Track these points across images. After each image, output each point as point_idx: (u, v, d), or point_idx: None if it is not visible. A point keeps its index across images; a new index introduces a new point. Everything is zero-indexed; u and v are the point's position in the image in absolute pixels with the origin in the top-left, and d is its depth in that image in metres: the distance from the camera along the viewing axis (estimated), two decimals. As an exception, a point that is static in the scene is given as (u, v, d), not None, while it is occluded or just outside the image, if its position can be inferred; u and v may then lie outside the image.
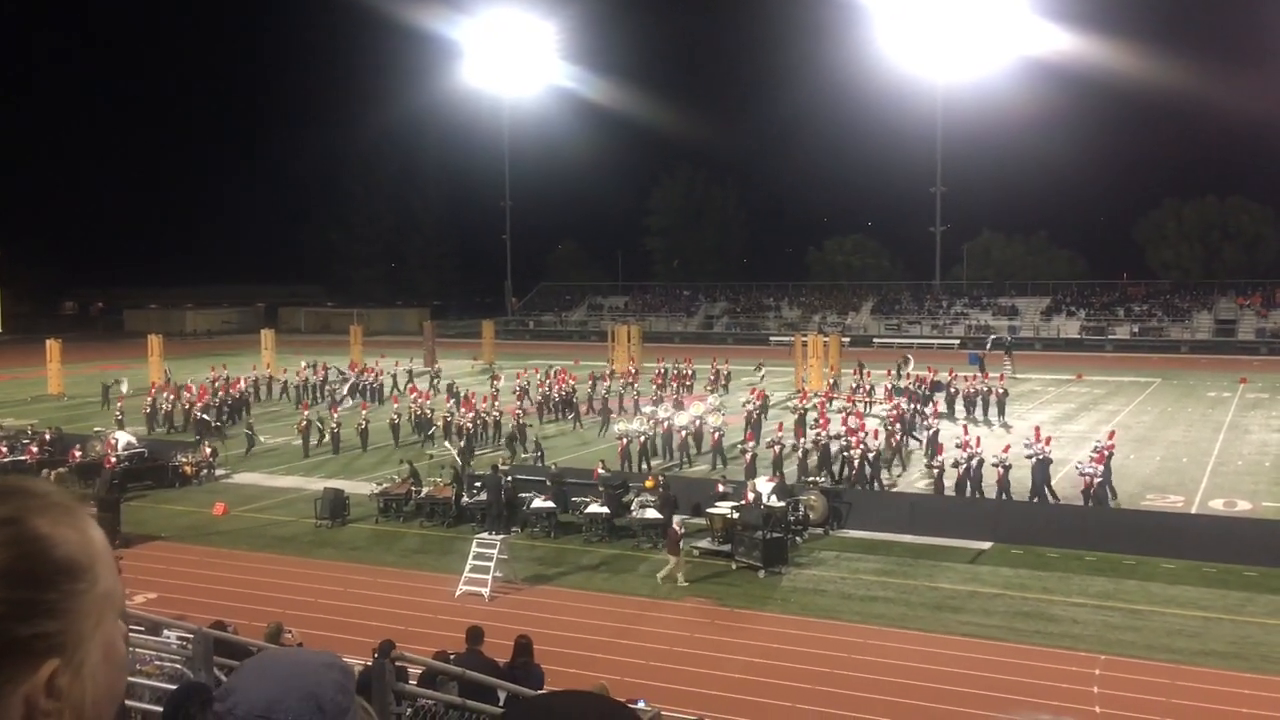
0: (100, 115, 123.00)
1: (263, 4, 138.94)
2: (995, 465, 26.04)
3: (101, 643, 1.19)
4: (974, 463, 26.62)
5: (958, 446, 27.64)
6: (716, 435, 32.89)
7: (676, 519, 22.79)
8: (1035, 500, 26.02)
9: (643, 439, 32.52)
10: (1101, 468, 25.97)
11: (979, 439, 28.83)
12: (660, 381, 46.75)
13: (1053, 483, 26.89)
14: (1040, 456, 26.46)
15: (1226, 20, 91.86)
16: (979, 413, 40.34)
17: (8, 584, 1.11)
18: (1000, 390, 41.32)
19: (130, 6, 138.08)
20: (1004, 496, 25.81)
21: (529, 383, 42.99)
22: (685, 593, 20.78)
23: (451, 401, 39.74)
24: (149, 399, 42.12)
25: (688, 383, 48.06)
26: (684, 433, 33.72)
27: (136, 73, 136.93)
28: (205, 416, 38.57)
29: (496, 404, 38.05)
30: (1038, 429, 28.65)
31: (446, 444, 33.98)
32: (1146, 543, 22.48)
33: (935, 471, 27.22)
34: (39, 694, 1.12)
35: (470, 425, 35.34)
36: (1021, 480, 26.45)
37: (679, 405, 38.58)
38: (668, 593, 20.80)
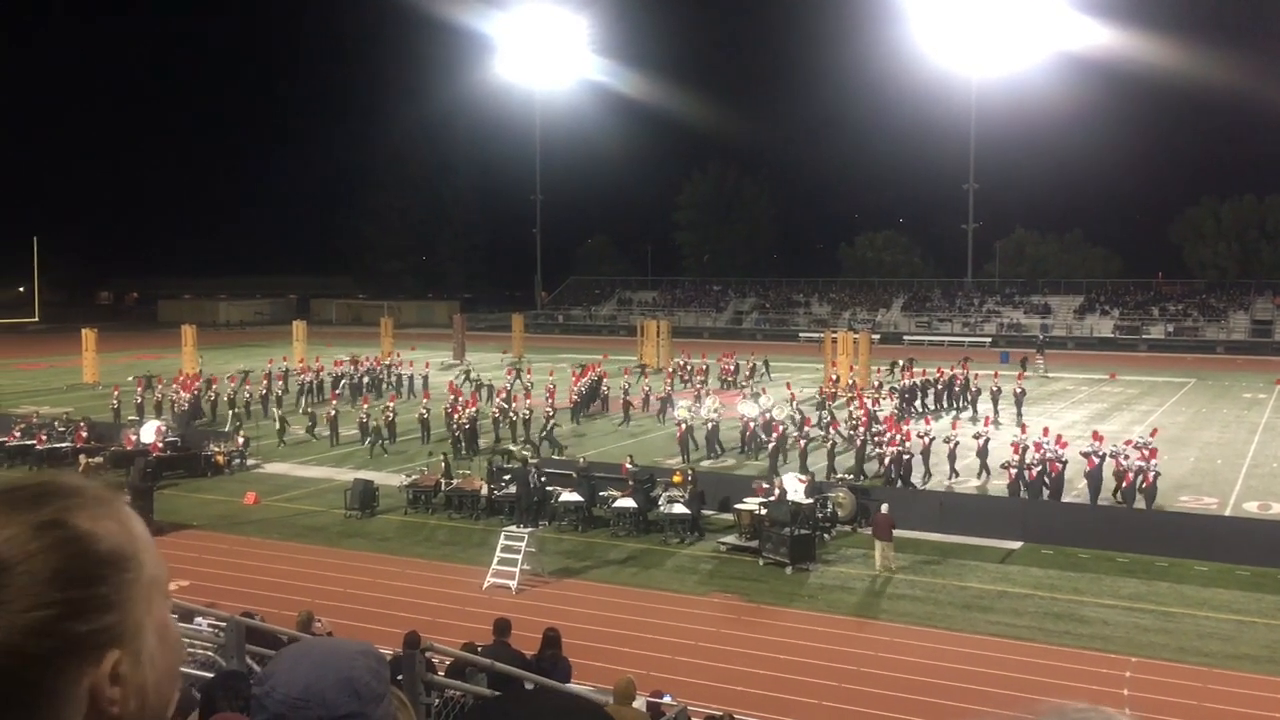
0: (136, 107, 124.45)
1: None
2: (1051, 460, 26.15)
3: (155, 626, 1.22)
4: (1041, 463, 26.44)
5: (1011, 446, 27.60)
6: (751, 425, 33.51)
7: (884, 505, 22.37)
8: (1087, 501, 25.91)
9: (688, 427, 32.82)
10: (1155, 463, 25.81)
11: (1059, 440, 27.86)
12: (692, 376, 46.67)
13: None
14: (1098, 456, 26.31)
15: (1266, 14, 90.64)
16: (995, 409, 39.55)
17: (60, 585, 1.13)
18: (1018, 389, 40.66)
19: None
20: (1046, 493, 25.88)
21: (555, 384, 42.27)
22: (711, 588, 20.77)
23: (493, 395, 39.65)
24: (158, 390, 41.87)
25: (725, 377, 48.13)
26: (751, 424, 33.74)
27: (172, 65, 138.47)
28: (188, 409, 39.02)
29: (528, 401, 38.01)
30: (1095, 432, 28.54)
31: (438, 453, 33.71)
32: (1180, 545, 22.25)
33: (1012, 472, 26.61)
34: (104, 685, 1.15)
35: (469, 421, 34.07)
36: (1072, 481, 26.58)
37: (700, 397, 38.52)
38: (693, 588, 20.80)
